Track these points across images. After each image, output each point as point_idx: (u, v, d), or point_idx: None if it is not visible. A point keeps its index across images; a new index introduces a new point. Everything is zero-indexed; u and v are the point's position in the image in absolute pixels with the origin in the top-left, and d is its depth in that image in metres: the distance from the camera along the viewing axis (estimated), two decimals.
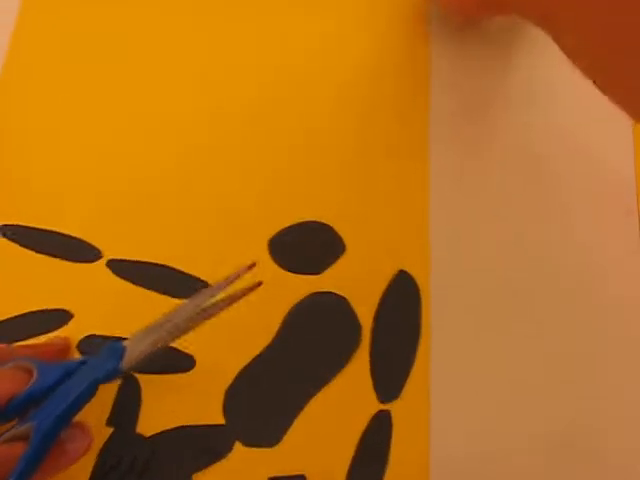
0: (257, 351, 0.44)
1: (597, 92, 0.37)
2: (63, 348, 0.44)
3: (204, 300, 0.40)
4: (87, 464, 0.42)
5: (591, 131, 0.50)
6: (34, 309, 0.45)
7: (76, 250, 0.46)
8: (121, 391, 0.43)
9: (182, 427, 0.43)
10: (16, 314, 0.45)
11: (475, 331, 0.45)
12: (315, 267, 0.46)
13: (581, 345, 0.45)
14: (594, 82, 0.38)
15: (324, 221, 0.47)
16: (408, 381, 0.44)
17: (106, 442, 0.42)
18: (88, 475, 0.42)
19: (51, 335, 0.44)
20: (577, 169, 0.49)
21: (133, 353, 0.39)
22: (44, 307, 0.45)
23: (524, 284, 0.47)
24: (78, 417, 0.42)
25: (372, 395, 0.43)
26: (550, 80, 0.51)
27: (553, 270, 0.47)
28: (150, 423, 0.43)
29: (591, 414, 0.44)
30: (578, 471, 0.43)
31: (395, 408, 0.43)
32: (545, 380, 0.44)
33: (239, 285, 0.40)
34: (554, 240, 0.48)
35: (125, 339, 0.40)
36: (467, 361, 0.45)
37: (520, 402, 0.44)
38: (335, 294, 0.46)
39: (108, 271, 0.46)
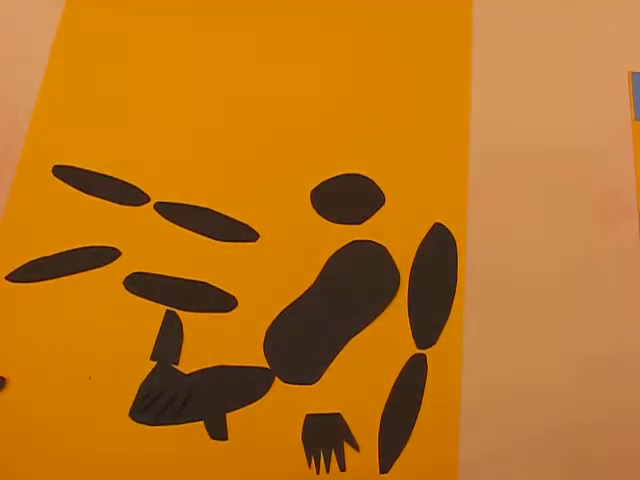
0: (298, 294, 0.46)
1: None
2: None
3: None
4: (129, 395, 0.43)
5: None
6: (85, 245, 0.46)
7: (125, 193, 0.48)
8: (164, 327, 0.44)
9: (221, 366, 0.44)
10: (68, 249, 0.46)
11: (507, 289, 0.46)
12: (356, 217, 0.48)
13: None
14: None
15: (365, 174, 0.49)
16: (445, 329, 0.45)
17: (148, 376, 0.43)
18: (129, 406, 0.43)
19: (100, 270, 0.46)
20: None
21: None
22: (94, 244, 0.46)
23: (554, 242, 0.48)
24: (126, 348, 0.44)
25: (410, 340, 0.44)
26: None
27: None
28: (191, 361, 0.44)
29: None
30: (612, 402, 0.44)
31: (431, 353, 0.44)
32: (577, 329, 0.45)
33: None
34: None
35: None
36: (499, 312, 0.46)
37: (549, 350, 0.45)
38: (375, 243, 0.47)
39: (155, 213, 0.47)
